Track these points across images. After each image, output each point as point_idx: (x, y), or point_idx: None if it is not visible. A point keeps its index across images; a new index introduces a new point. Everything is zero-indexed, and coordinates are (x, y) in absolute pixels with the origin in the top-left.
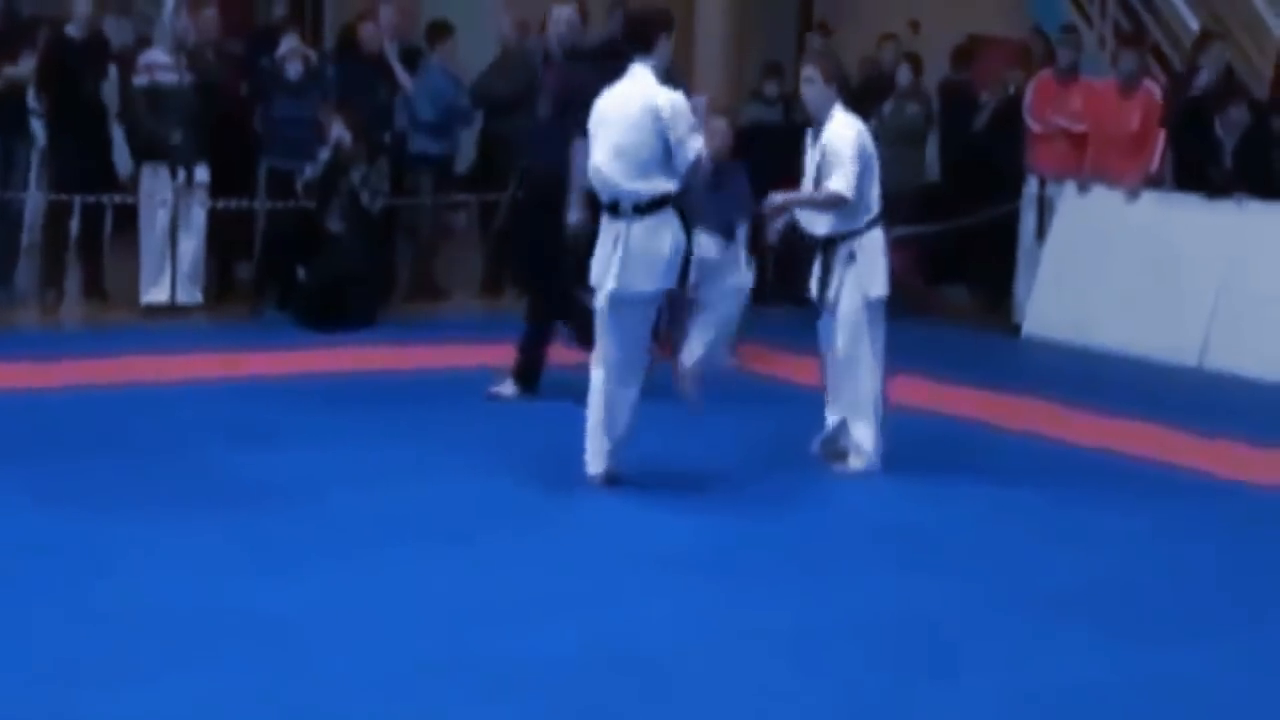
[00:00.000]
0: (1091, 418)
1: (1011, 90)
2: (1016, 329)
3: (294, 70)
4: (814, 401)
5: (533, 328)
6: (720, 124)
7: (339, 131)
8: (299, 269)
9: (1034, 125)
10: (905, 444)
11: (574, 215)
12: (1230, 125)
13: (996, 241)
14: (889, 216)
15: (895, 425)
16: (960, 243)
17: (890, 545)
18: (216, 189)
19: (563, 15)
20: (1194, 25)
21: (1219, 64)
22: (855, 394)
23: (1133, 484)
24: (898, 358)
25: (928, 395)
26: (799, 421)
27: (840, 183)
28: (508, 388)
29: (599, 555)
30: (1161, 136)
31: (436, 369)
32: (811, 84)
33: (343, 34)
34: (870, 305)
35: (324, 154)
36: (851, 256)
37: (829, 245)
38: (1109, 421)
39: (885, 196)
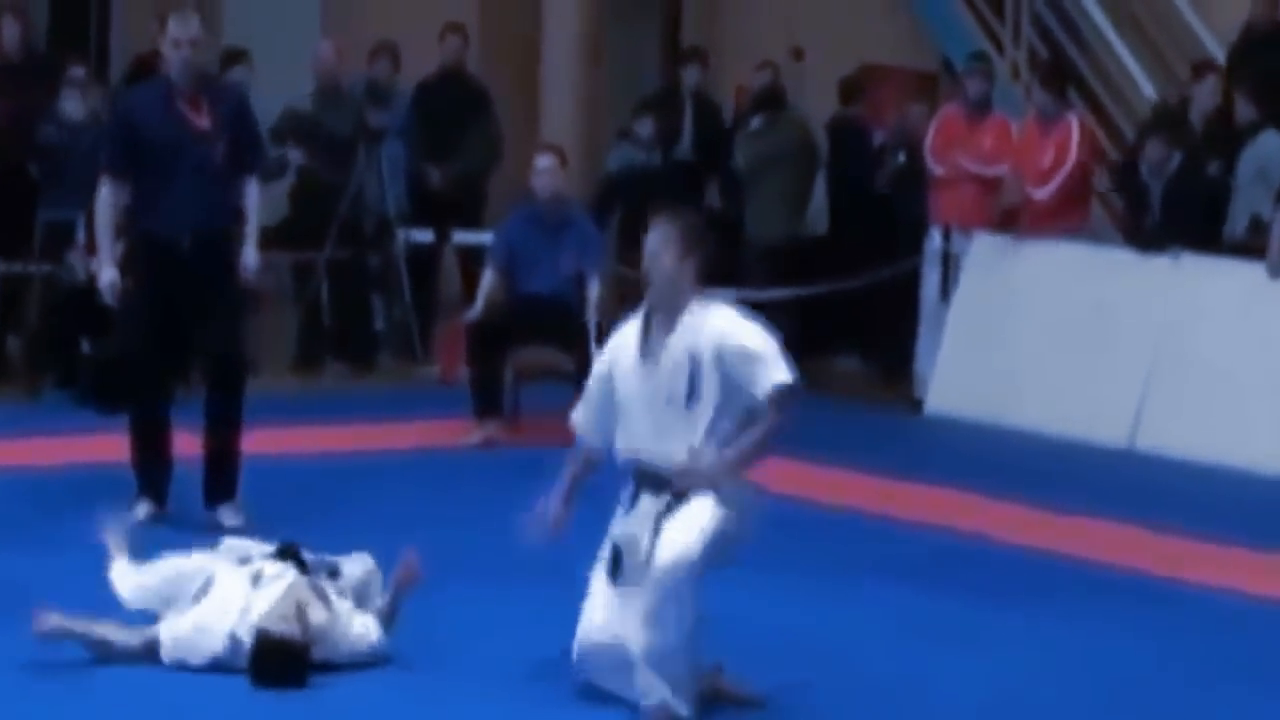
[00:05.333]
0: (1006, 507)
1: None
2: (918, 405)
3: (71, 107)
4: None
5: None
6: (548, 161)
7: None
8: (83, 341)
9: (937, 168)
10: (792, 539)
11: (107, 274)
12: (1153, 166)
13: (894, 303)
14: (760, 273)
15: (780, 517)
16: (852, 305)
17: (774, 657)
18: None
19: (186, 35)
20: (1122, 51)
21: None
22: None
23: (1054, 584)
24: (781, 440)
25: (815, 483)
26: None
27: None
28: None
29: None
30: (1068, 168)
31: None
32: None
33: (137, 64)
34: None
35: None
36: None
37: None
38: (1026, 512)
39: (758, 250)
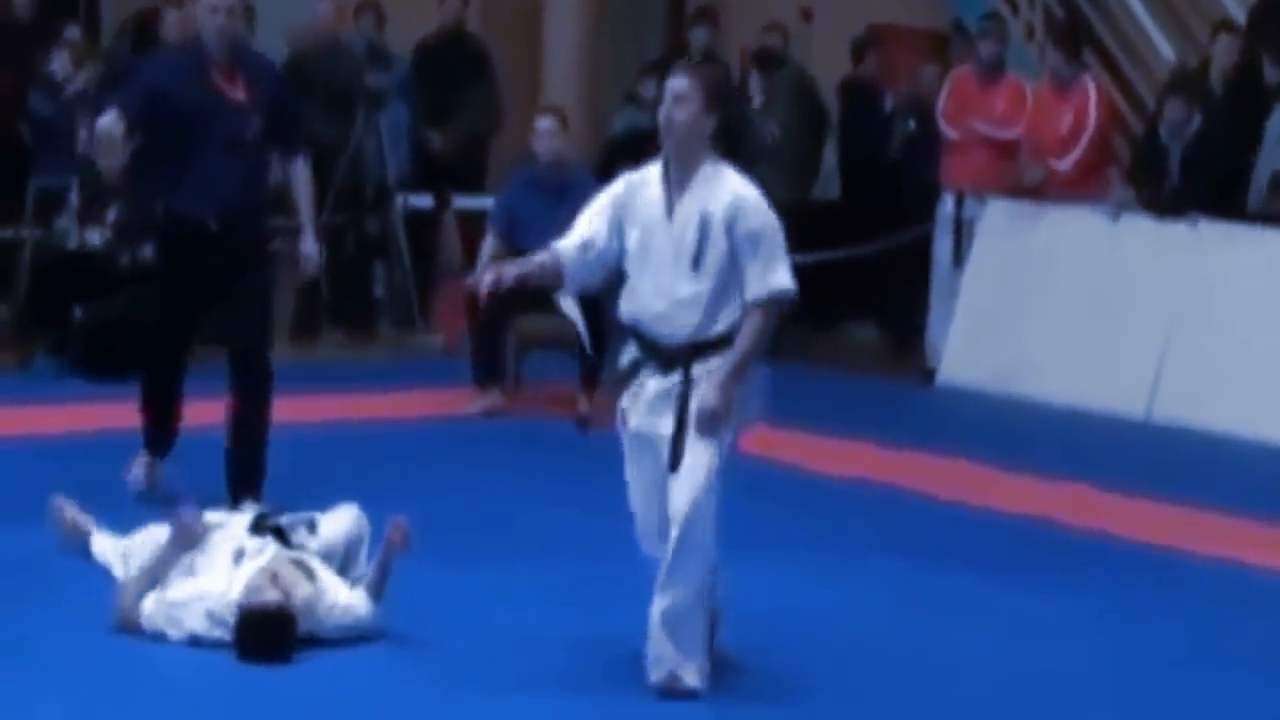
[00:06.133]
0: (1020, 480)
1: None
2: (930, 375)
3: (62, 71)
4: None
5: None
6: (549, 123)
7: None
8: (75, 308)
9: (950, 132)
10: (799, 511)
11: (105, 119)
12: (1172, 128)
13: (906, 271)
14: None
15: (790, 491)
16: (864, 273)
17: (780, 630)
18: None
19: (223, 2)
20: (1139, 10)
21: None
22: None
23: (1071, 559)
24: (789, 411)
25: (826, 455)
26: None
27: (782, 277)
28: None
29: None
30: (1088, 134)
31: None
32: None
33: (136, 23)
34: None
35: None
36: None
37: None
38: (1041, 485)
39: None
